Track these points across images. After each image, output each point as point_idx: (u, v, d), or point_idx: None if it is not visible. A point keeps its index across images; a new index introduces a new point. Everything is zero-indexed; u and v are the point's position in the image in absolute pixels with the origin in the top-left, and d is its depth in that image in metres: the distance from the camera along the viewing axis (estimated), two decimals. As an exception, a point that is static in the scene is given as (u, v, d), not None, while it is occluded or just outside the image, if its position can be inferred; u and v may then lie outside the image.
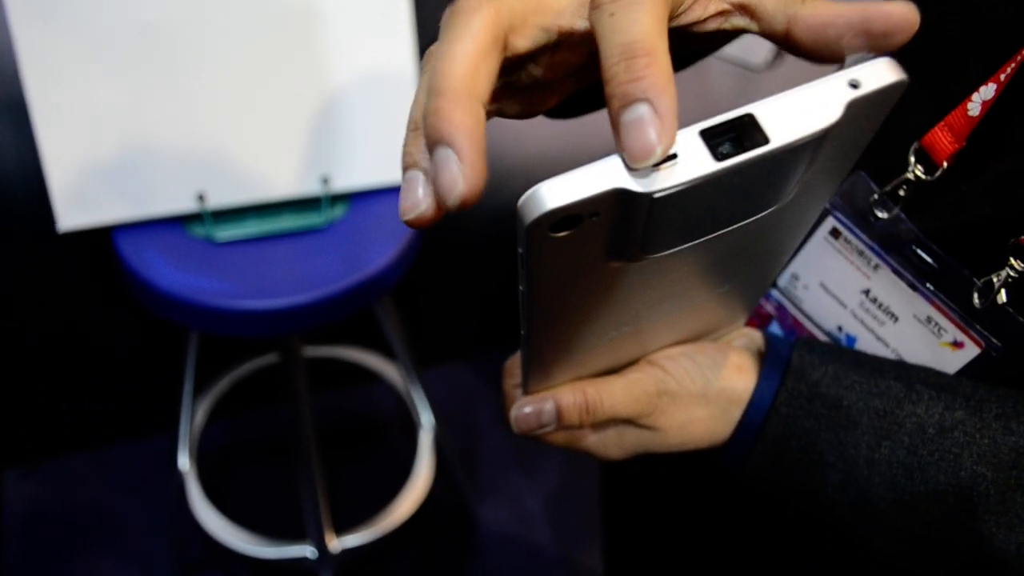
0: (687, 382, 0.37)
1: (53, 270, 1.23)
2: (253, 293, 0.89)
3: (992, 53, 0.35)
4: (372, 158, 0.97)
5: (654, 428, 0.37)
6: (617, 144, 0.21)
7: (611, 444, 0.38)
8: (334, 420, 1.51)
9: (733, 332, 0.40)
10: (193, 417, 1.37)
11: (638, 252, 0.25)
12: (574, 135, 1.01)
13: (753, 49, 1.32)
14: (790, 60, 1.33)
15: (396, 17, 0.94)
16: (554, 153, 1.36)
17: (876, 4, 0.24)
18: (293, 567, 1.28)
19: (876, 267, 0.38)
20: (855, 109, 0.23)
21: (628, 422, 0.37)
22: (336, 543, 1.26)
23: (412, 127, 0.25)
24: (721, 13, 0.27)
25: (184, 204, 0.93)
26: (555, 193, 0.21)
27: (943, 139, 0.35)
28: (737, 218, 0.26)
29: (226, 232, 0.94)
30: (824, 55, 0.25)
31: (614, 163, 0.21)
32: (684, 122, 0.22)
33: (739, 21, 0.27)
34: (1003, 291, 0.34)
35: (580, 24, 0.25)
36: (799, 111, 0.23)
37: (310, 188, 0.96)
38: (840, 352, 0.37)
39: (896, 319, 0.38)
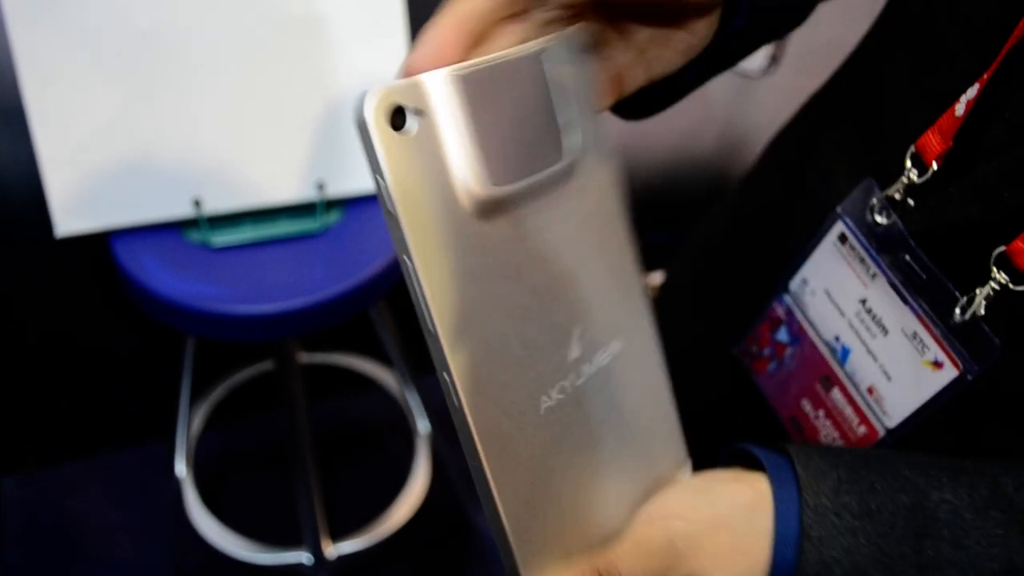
0: (693, 514, 0.33)
1: (50, 275, 1.23)
2: (249, 298, 0.89)
3: (985, 55, 0.35)
4: (367, 164, 0.97)
5: None
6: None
7: None
8: (330, 427, 1.51)
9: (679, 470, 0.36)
10: (190, 424, 1.36)
11: (481, 181, 0.27)
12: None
13: (750, 56, 1.32)
14: (785, 66, 1.34)
15: (390, 24, 0.94)
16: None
17: None
18: (290, 573, 1.28)
19: (874, 276, 0.38)
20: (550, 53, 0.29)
21: None
22: (332, 549, 1.26)
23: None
24: None
25: (180, 210, 0.93)
26: (374, 89, 0.25)
27: (933, 141, 0.35)
28: (548, 157, 0.30)
29: (222, 237, 0.94)
30: None
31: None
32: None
33: None
34: (983, 305, 0.33)
35: None
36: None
37: (305, 194, 0.96)
38: (831, 452, 0.34)
39: (886, 332, 0.38)
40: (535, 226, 0.29)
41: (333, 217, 0.98)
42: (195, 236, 0.94)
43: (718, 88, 1.42)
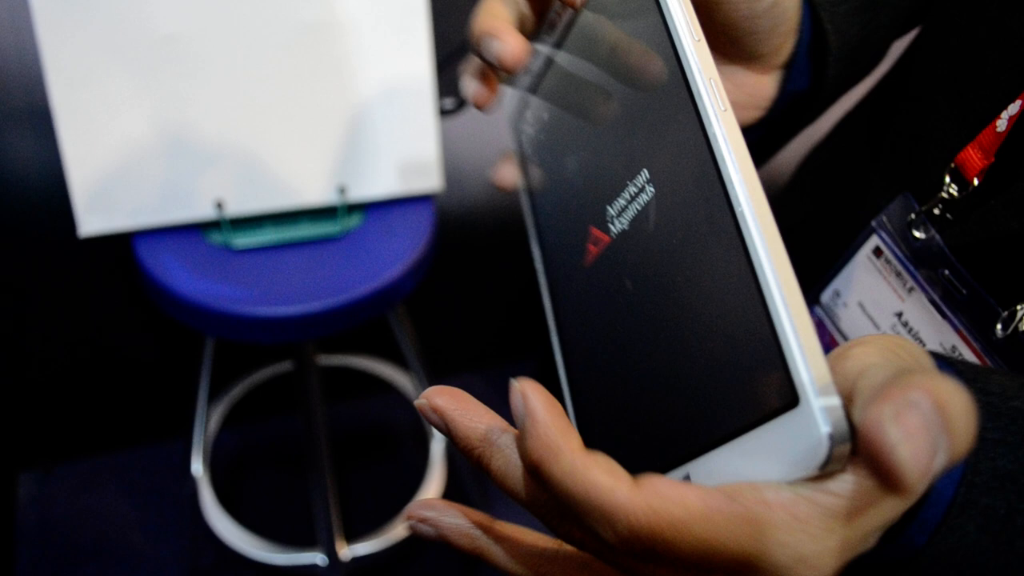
0: None
1: (71, 274, 1.23)
2: (269, 300, 0.89)
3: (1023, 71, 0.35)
4: (388, 168, 0.97)
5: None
6: None
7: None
8: (347, 429, 1.51)
9: None
10: (207, 423, 1.37)
11: None
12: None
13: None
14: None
15: (414, 29, 0.94)
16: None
17: None
18: (304, 574, 1.28)
19: (911, 290, 0.38)
20: None
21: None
22: (347, 551, 1.26)
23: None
24: None
25: (203, 211, 0.93)
26: None
27: (974, 156, 0.35)
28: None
29: (243, 239, 0.94)
30: None
31: None
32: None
33: None
34: None
35: None
36: None
37: (327, 197, 0.97)
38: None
39: (923, 346, 0.38)
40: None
41: (354, 221, 0.98)
42: (217, 238, 0.94)
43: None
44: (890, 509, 0.21)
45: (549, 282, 0.33)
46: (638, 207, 0.26)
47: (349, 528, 1.28)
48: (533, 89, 0.36)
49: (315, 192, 0.96)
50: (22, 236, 1.18)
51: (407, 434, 1.51)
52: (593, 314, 0.29)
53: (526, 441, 0.22)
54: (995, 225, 0.34)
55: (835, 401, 0.20)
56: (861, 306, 0.40)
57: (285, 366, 1.45)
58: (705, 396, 0.23)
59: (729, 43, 0.35)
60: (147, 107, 0.89)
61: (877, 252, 0.39)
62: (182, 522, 1.35)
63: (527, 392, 0.23)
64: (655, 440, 0.25)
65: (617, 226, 0.28)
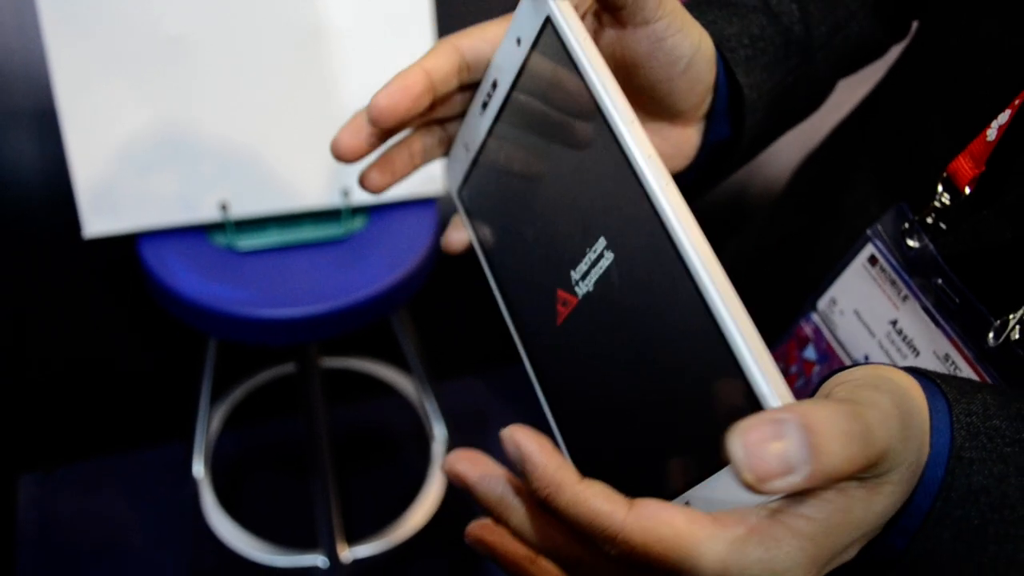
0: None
1: (74, 276, 1.24)
2: (272, 302, 0.89)
3: (1016, 81, 0.35)
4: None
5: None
6: None
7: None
8: (348, 431, 1.51)
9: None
10: (209, 425, 1.38)
11: None
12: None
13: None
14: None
15: (418, 33, 0.95)
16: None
17: None
18: (304, 576, 1.29)
19: (905, 298, 0.38)
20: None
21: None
22: (348, 553, 1.26)
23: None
24: None
25: (207, 213, 0.94)
26: None
27: (965, 165, 0.35)
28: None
29: (247, 241, 0.95)
30: None
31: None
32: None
33: None
34: (1017, 329, 0.34)
35: None
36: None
37: (331, 200, 0.97)
38: (967, 380, 0.30)
39: (917, 354, 0.38)
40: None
41: (358, 224, 0.99)
42: (221, 239, 0.95)
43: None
44: (855, 529, 0.25)
45: (521, 337, 0.36)
46: (600, 271, 0.30)
47: (350, 530, 1.28)
48: (475, 161, 0.38)
49: (319, 194, 0.97)
50: (25, 237, 1.19)
51: (408, 436, 1.52)
52: (571, 367, 0.32)
53: (531, 484, 0.26)
54: (987, 234, 0.35)
55: None
56: (857, 314, 0.41)
57: (286, 368, 1.45)
58: (684, 437, 0.27)
59: (651, 102, 0.36)
60: (152, 109, 0.90)
61: (872, 260, 0.40)
62: (183, 524, 1.35)
63: (518, 440, 0.26)
64: (651, 473, 0.29)
65: (583, 288, 0.31)
